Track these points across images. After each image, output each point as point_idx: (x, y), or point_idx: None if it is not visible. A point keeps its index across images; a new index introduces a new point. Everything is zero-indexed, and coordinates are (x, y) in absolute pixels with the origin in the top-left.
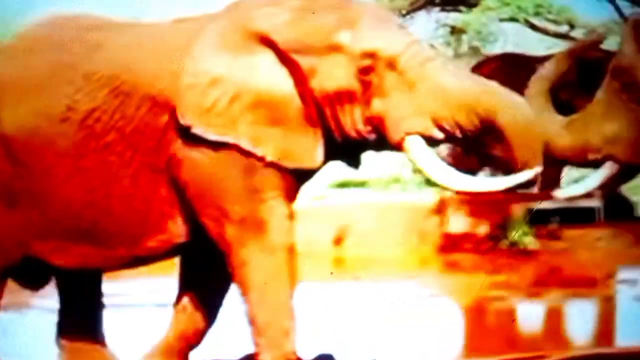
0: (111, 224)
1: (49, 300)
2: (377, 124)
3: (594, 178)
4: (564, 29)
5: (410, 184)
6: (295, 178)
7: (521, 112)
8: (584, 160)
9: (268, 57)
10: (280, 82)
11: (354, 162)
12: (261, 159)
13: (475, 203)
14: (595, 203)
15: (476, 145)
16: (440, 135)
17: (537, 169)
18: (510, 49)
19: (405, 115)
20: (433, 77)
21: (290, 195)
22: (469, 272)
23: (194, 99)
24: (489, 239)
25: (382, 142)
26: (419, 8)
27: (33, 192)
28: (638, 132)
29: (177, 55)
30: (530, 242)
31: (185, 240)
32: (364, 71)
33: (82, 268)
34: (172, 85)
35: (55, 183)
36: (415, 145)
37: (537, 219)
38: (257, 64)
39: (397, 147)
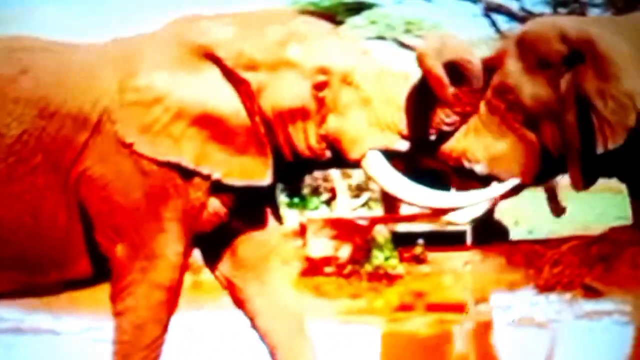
0: (41, 248)
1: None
2: (332, 141)
3: (490, 195)
4: None
5: None
6: (241, 198)
7: None
8: (460, 165)
9: (213, 73)
10: (226, 99)
11: (295, 185)
12: (207, 178)
13: (337, 226)
14: (463, 226)
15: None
16: (405, 146)
17: (517, 179)
18: None
19: (366, 131)
20: (389, 89)
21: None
22: (331, 296)
23: (136, 116)
24: (351, 262)
25: (337, 159)
26: None
27: None
28: (522, 153)
29: (110, 73)
30: (394, 265)
31: None
32: (319, 87)
33: (12, 295)
34: (98, 103)
35: None
36: (375, 161)
37: (402, 242)
38: (202, 81)
39: (355, 164)
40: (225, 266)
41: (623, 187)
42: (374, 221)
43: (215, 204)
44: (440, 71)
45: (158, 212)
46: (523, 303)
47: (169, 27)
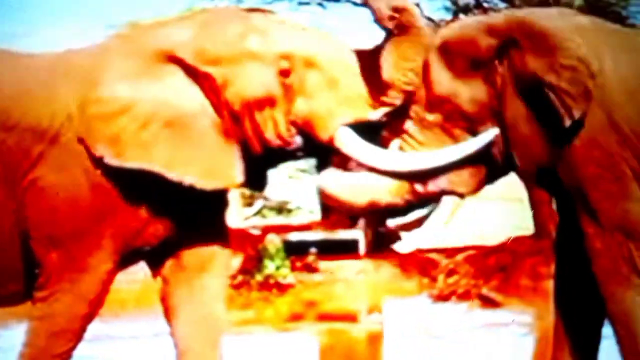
0: (2, 261)
1: None
2: (302, 125)
3: (436, 220)
4: None
5: None
6: (208, 200)
7: None
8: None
9: (176, 76)
10: (192, 99)
11: (259, 183)
12: (179, 184)
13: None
14: (356, 235)
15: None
16: (377, 115)
17: (496, 130)
18: None
19: (336, 109)
20: (353, 66)
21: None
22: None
23: (103, 128)
24: (241, 272)
25: (306, 146)
26: None
27: None
28: (471, 163)
29: (68, 85)
30: (285, 275)
31: None
32: (284, 73)
33: None
34: (56, 115)
35: None
36: (348, 137)
37: (294, 251)
38: (166, 84)
39: (328, 144)
40: (166, 269)
41: (523, 196)
42: (267, 230)
43: (161, 221)
44: None
45: (101, 228)
46: (417, 313)
47: (126, 36)
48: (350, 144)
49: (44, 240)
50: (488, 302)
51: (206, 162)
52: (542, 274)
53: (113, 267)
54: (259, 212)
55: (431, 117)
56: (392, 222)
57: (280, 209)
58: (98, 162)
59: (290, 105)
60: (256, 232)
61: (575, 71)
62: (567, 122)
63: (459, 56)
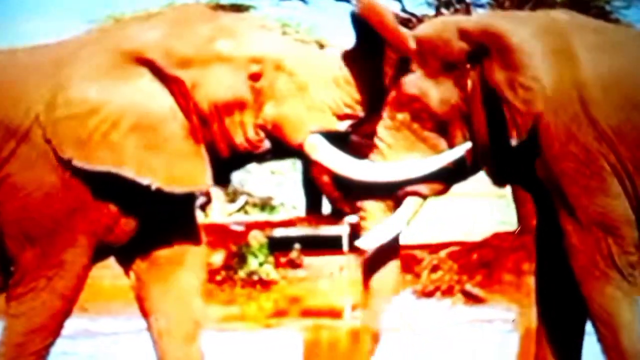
0: None
1: None
2: (271, 130)
3: (399, 218)
4: None
5: None
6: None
7: None
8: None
9: (145, 77)
10: (161, 101)
11: (224, 181)
12: (147, 187)
13: (209, 231)
14: (340, 230)
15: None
16: (343, 127)
17: (469, 144)
18: None
19: (306, 115)
20: (322, 71)
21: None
22: (203, 303)
23: (71, 130)
24: (225, 268)
25: (275, 149)
26: None
27: None
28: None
29: (39, 81)
30: (268, 271)
31: None
32: (254, 77)
33: None
34: (29, 112)
35: None
36: (318, 143)
37: (278, 247)
38: (135, 86)
39: (297, 149)
40: (139, 265)
41: (506, 192)
42: (250, 226)
43: (131, 218)
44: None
45: (73, 225)
46: (400, 309)
47: (95, 35)
48: (321, 151)
49: (18, 237)
50: (472, 298)
51: (175, 167)
52: (525, 270)
53: (88, 262)
54: (242, 209)
55: (400, 116)
56: (364, 243)
57: (264, 205)
58: (66, 163)
59: (259, 109)
60: (239, 228)
61: (530, 91)
62: (514, 141)
63: (431, 56)
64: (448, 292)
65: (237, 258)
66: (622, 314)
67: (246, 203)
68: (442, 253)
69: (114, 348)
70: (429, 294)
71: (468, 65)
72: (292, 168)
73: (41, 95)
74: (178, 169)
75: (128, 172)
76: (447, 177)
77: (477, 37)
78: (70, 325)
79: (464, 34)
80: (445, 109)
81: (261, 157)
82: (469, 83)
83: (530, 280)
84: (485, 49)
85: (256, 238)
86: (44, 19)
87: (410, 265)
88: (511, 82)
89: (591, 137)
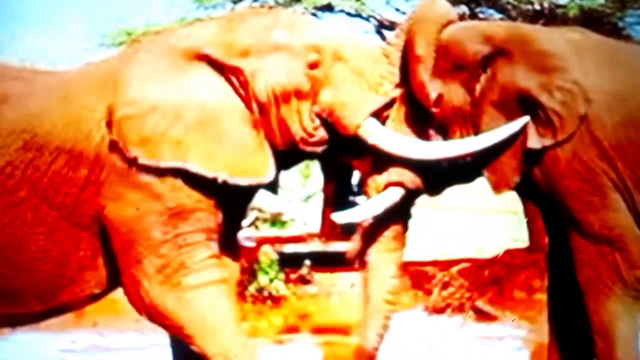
0: (25, 280)
1: None
2: (327, 116)
3: (377, 202)
4: None
5: None
6: (241, 196)
7: None
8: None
9: (204, 71)
10: (221, 94)
11: (273, 188)
12: (213, 180)
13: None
14: (351, 247)
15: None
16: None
17: (527, 118)
18: None
19: (361, 100)
20: (377, 61)
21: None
22: None
23: (133, 129)
24: (235, 284)
25: (330, 138)
26: None
27: None
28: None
29: (96, 102)
30: (278, 287)
31: (102, 289)
32: (312, 65)
33: None
34: (91, 135)
35: None
36: (374, 128)
37: (288, 263)
38: (193, 81)
39: (353, 135)
40: None
41: (518, 208)
42: (261, 242)
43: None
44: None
45: (177, 229)
46: (411, 325)
47: (148, 43)
48: (377, 133)
49: (132, 262)
50: (483, 315)
51: (238, 158)
52: (536, 287)
53: (212, 251)
54: (252, 224)
55: (401, 113)
56: (337, 217)
57: (274, 221)
58: (132, 162)
59: (315, 96)
60: (250, 243)
61: (569, 93)
62: (549, 142)
63: (443, 57)
64: (459, 308)
65: (247, 274)
66: (621, 328)
67: (256, 218)
68: (453, 270)
69: None
70: (440, 311)
71: (480, 70)
72: (302, 184)
73: (101, 106)
74: (241, 160)
75: (193, 167)
76: (438, 177)
77: (501, 41)
78: (81, 340)
79: (487, 38)
80: (445, 109)
81: (311, 154)
82: (478, 87)
83: (541, 297)
84: (506, 52)
85: (266, 254)
86: (53, 34)
87: (421, 282)
88: (545, 85)
89: (594, 154)
